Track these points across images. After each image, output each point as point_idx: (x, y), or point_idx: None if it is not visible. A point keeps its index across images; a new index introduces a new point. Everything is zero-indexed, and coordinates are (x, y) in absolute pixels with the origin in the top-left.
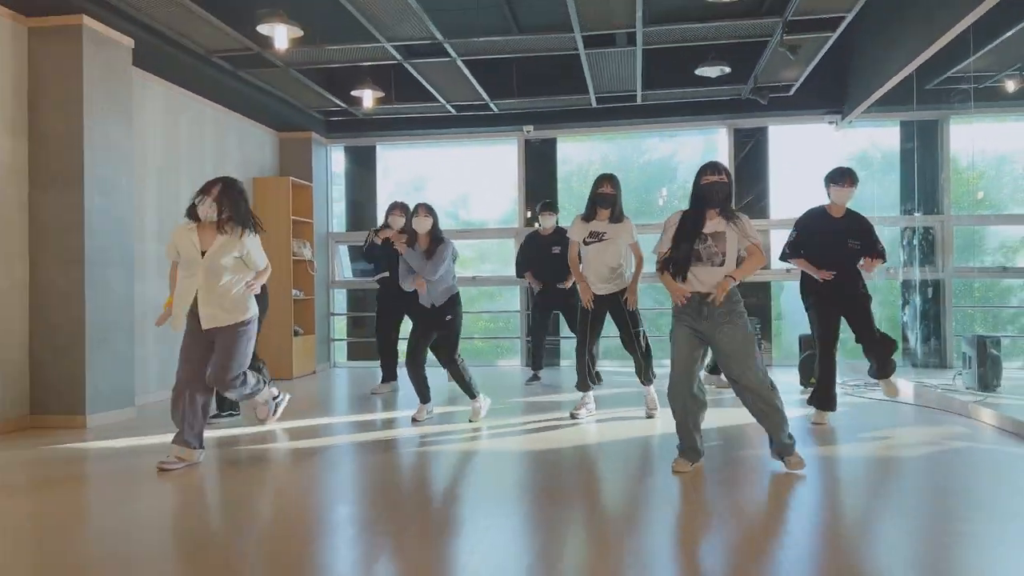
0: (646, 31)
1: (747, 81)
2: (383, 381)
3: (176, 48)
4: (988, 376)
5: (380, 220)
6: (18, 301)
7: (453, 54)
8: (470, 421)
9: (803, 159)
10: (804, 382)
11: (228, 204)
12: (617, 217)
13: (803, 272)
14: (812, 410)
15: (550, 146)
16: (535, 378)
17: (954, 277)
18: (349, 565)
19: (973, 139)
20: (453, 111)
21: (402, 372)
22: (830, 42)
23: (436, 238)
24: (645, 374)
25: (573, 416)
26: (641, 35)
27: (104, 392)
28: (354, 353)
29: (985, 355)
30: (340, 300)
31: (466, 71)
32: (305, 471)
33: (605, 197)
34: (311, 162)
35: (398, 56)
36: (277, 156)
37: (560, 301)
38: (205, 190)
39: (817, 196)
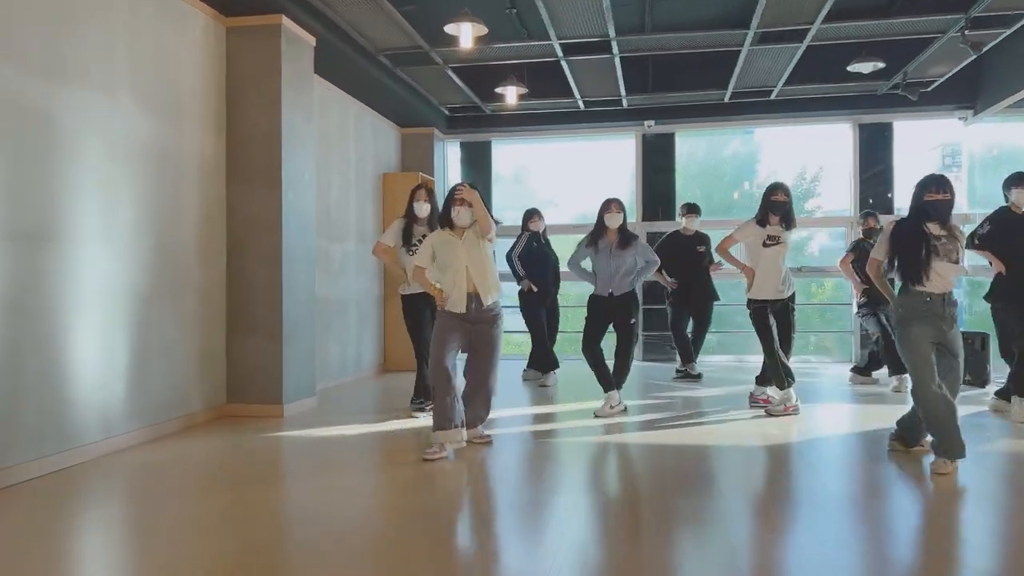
0: (821, 27)
1: (890, 78)
2: (545, 372)
3: (347, 45)
4: None
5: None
6: (218, 295)
7: (615, 51)
8: (595, 415)
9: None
10: None
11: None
12: (790, 223)
13: (996, 276)
14: None
15: (668, 140)
16: (688, 374)
17: None
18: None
19: None
20: (582, 106)
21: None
22: (999, 39)
23: (628, 233)
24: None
25: (773, 412)
26: (815, 31)
27: (295, 382)
28: None
29: None
30: None
31: (618, 68)
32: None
33: (778, 204)
34: (432, 157)
35: (559, 53)
36: (399, 151)
37: (699, 300)
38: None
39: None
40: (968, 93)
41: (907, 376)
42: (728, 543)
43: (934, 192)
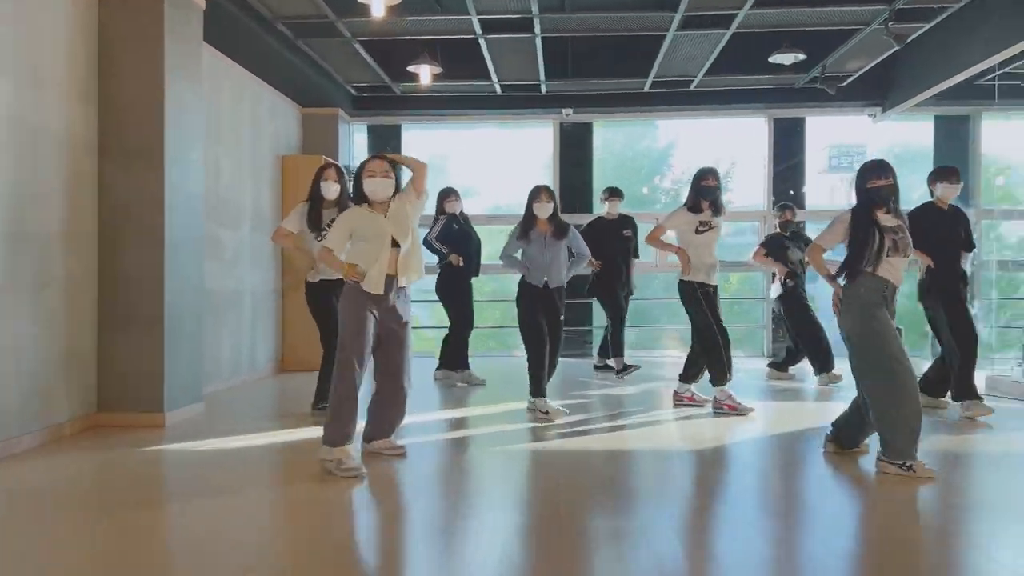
0: (748, 13)
1: (808, 71)
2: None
3: (243, 11)
4: None
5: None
6: (88, 288)
7: (537, 30)
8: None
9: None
10: None
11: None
12: (720, 209)
13: (925, 275)
14: None
15: (586, 130)
16: (627, 368)
17: (983, 271)
18: None
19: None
20: (499, 91)
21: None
22: (918, 33)
23: (561, 222)
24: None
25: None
26: (742, 16)
27: (179, 387)
28: None
29: None
30: None
31: (539, 49)
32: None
33: (709, 190)
34: (336, 140)
35: (478, 30)
36: (300, 132)
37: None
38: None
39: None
40: (878, 90)
41: (829, 373)
42: (658, 559)
43: (875, 179)
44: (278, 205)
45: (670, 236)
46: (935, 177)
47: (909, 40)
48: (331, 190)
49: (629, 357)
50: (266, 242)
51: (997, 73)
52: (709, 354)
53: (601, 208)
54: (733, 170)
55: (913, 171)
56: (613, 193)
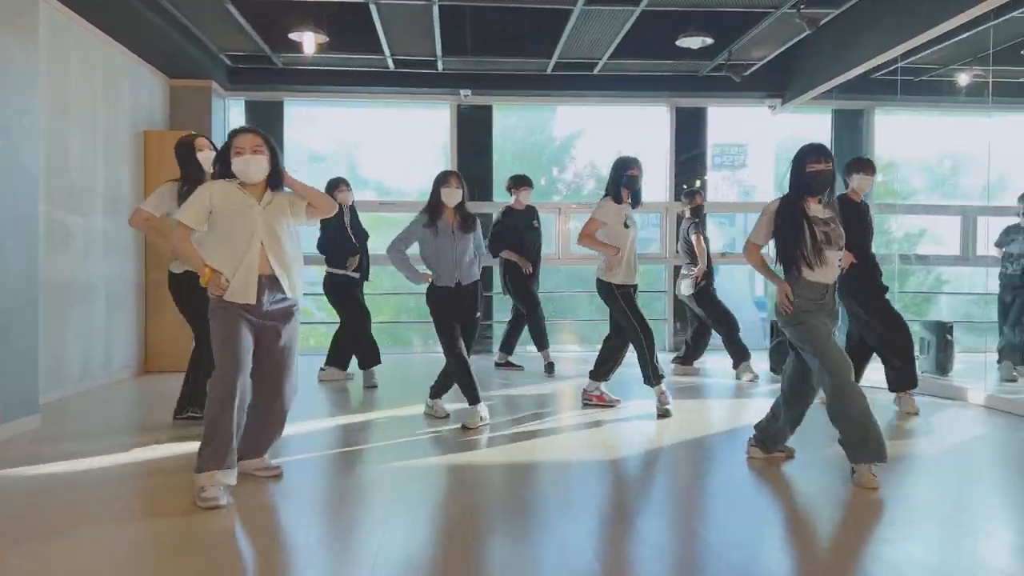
0: None
1: (714, 58)
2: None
3: None
4: (945, 360)
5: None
6: None
7: None
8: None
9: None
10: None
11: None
12: (639, 202)
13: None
14: None
15: (485, 113)
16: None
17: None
18: None
19: (894, 129)
20: (392, 66)
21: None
22: (829, 17)
23: (468, 214)
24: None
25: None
26: None
27: (8, 396)
28: None
29: (944, 340)
30: None
31: (436, 18)
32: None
33: (634, 179)
34: (209, 116)
35: None
36: (167, 106)
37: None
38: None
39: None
40: (778, 82)
41: (747, 364)
42: None
43: (814, 162)
44: (139, 187)
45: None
46: (852, 168)
47: (820, 24)
48: (208, 160)
49: (519, 356)
50: (124, 228)
51: (899, 65)
52: (638, 355)
53: (507, 198)
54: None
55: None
56: (521, 182)
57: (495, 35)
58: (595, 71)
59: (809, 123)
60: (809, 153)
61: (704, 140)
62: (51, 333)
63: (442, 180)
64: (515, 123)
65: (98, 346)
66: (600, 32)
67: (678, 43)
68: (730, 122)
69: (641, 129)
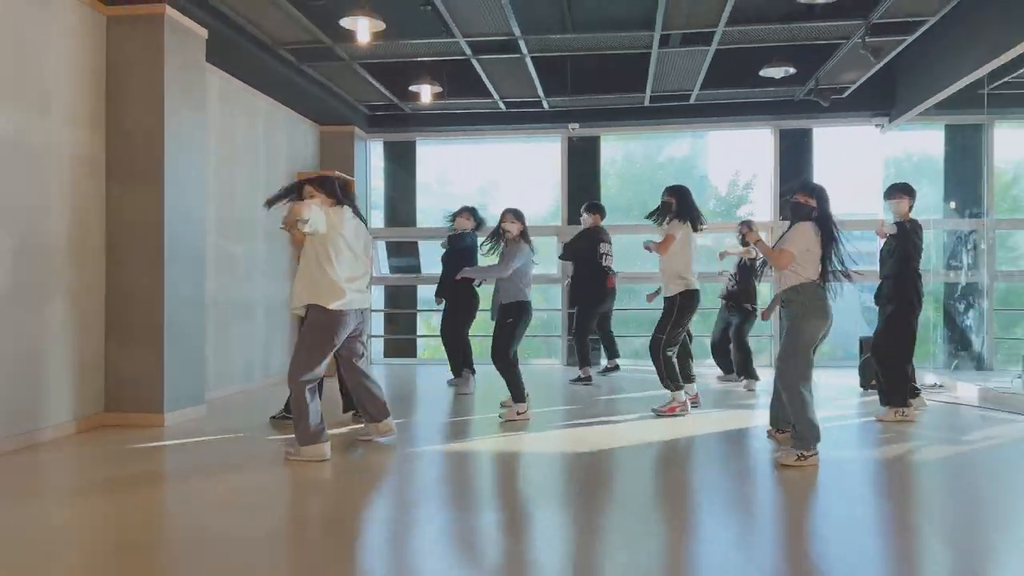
0: (727, 30)
1: (805, 83)
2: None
3: (245, 39)
4: None
5: (419, 216)
6: (95, 300)
7: (524, 51)
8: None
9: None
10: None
11: None
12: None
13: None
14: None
15: (593, 144)
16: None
17: (997, 280)
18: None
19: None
20: (503, 107)
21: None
22: (903, 46)
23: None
24: None
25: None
26: (721, 33)
27: (179, 390)
28: (389, 351)
29: None
30: (377, 297)
31: (531, 68)
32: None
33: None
34: (352, 156)
35: (468, 52)
36: (317, 149)
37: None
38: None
39: (863, 198)
40: (884, 100)
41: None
42: None
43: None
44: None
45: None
46: (885, 196)
47: (893, 54)
48: None
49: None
50: (281, 253)
51: (1008, 79)
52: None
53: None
54: (755, 181)
55: (932, 182)
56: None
57: (588, 76)
58: (690, 100)
59: (921, 139)
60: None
61: (811, 161)
62: (216, 342)
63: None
64: (634, 148)
65: (258, 354)
66: (684, 68)
67: (761, 73)
68: (837, 142)
69: (754, 149)
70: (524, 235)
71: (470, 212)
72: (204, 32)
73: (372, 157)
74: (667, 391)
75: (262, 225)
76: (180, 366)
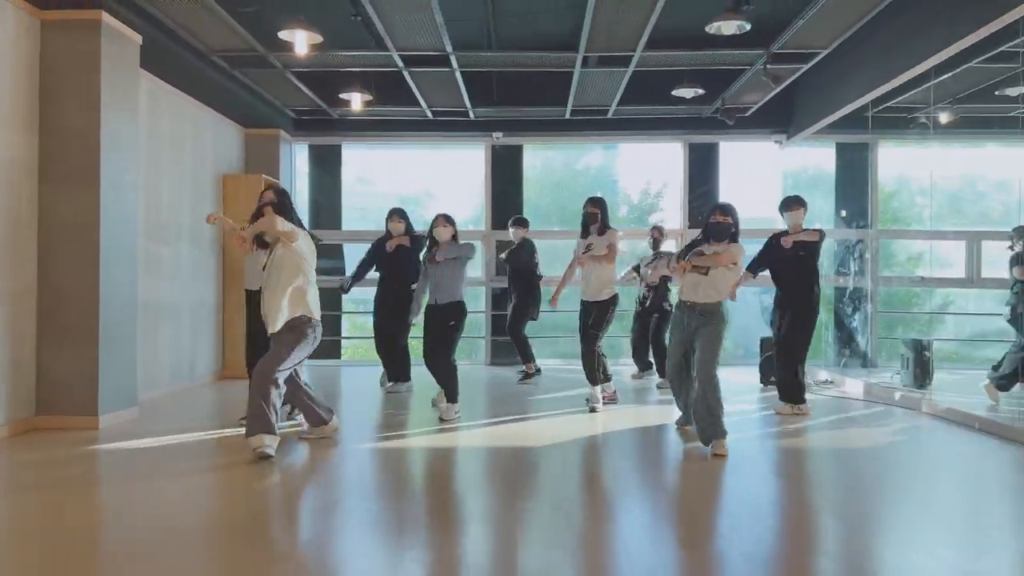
0: (643, 55)
1: (712, 103)
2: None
3: (179, 45)
4: (922, 375)
5: (344, 219)
6: (27, 302)
7: (455, 65)
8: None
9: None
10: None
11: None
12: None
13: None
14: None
15: (516, 152)
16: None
17: (880, 286)
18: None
19: (896, 162)
20: (431, 115)
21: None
22: (799, 73)
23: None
24: None
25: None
26: (638, 57)
27: (113, 392)
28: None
29: (921, 356)
30: None
31: (460, 81)
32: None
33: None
34: (278, 159)
35: (400, 64)
36: (243, 152)
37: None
38: None
39: (763, 207)
40: (783, 119)
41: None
42: None
43: (718, 215)
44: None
45: None
46: (780, 208)
47: (789, 80)
48: None
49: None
50: (207, 256)
51: (890, 104)
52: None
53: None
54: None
55: (825, 194)
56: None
57: (514, 89)
58: (608, 115)
59: (815, 155)
60: (714, 209)
61: (716, 172)
62: (145, 344)
63: (433, 221)
64: (553, 156)
65: (184, 356)
66: (603, 86)
67: (673, 93)
68: (741, 156)
69: (665, 161)
70: (455, 240)
71: (399, 214)
72: (139, 38)
73: (297, 160)
74: (595, 386)
75: (187, 228)
76: (114, 368)
